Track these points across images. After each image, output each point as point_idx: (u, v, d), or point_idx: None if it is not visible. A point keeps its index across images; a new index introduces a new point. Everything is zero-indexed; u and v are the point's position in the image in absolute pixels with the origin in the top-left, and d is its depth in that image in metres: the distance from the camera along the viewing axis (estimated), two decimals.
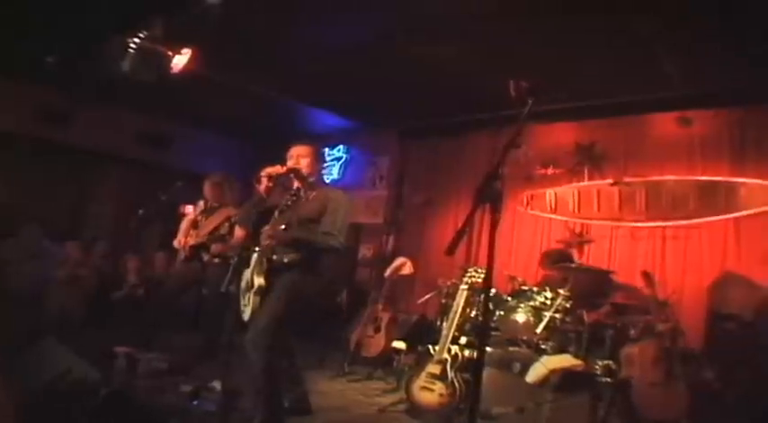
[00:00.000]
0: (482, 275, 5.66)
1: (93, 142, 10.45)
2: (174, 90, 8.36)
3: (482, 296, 6.27)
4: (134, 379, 5.63)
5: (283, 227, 4.62)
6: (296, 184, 4.98)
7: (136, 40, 6.60)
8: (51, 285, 8.15)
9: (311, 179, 5.00)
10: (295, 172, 4.89)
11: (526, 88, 3.13)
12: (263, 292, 4.65)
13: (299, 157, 4.94)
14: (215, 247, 6.75)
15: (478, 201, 2.67)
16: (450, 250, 2.71)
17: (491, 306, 6.28)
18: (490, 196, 2.66)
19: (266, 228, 4.63)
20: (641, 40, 6.14)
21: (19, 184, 9.48)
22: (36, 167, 10.03)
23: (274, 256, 4.69)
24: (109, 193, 11.11)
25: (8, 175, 9.31)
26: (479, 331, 3.81)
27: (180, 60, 6.97)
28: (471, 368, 5.16)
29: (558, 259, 6.88)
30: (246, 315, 4.74)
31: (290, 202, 4.52)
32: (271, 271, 4.68)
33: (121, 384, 5.13)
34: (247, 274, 4.82)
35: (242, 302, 4.85)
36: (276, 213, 4.60)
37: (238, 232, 6.14)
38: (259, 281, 4.64)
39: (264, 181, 4.74)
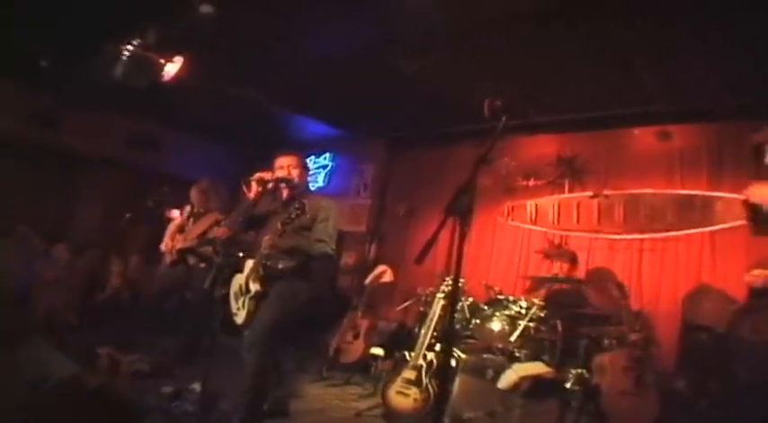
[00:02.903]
0: (459, 284, 5.76)
1: (83, 145, 10.49)
2: (164, 95, 8.42)
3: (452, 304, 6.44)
4: (116, 379, 5.68)
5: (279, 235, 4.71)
6: (285, 194, 5.09)
7: (129, 46, 6.68)
8: (38, 286, 8.20)
9: (301, 188, 5.13)
10: (287, 181, 5.01)
11: (500, 107, 3.25)
12: (259, 298, 4.77)
13: (289, 167, 5.06)
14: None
15: (447, 214, 2.77)
16: (420, 259, 2.82)
17: (467, 314, 6.40)
18: (459, 210, 2.76)
19: (266, 236, 4.72)
20: (622, 54, 6.25)
21: (8, 186, 9.52)
22: (25, 170, 10.05)
23: (269, 263, 4.79)
24: (97, 196, 11.11)
25: None
26: (445, 338, 3.90)
27: (172, 68, 7.05)
28: (439, 372, 5.28)
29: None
30: (240, 319, 4.85)
31: (294, 215, 4.61)
32: (266, 277, 4.78)
33: (104, 384, 5.20)
34: (240, 278, 4.93)
35: (234, 306, 4.95)
36: (279, 224, 4.68)
37: (220, 231, 6.25)
38: (255, 287, 4.76)
39: (254, 186, 4.85)
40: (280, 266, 4.80)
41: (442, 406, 2.84)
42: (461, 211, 2.77)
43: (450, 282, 5.75)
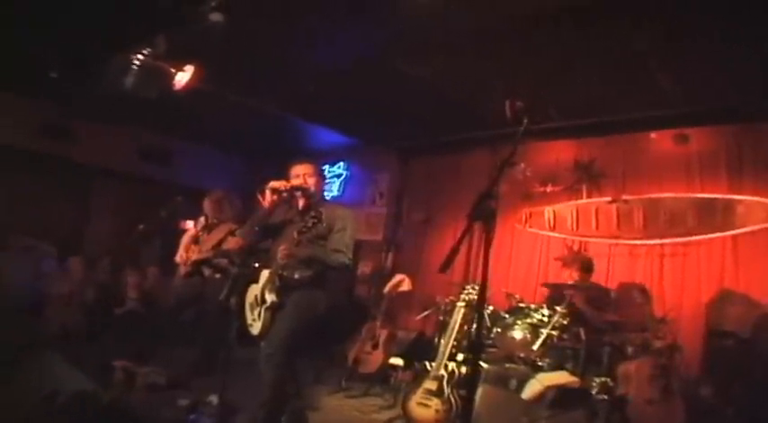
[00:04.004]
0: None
1: (95, 157, 10.49)
2: (176, 106, 8.40)
3: (487, 309, 6.36)
4: (131, 392, 5.63)
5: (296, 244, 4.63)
6: (301, 203, 5.00)
7: (139, 56, 6.65)
8: (53, 300, 8.19)
9: (317, 197, 5.05)
10: (303, 190, 4.92)
11: (521, 108, 3.17)
12: (275, 309, 4.69)
13: (305, 175, 4.97)
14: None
15: (472, 219, 2.69)
16: (444, 267, 2.73)
17: (488, 323, 6.31)
18: (483, 215, 2.68)
19: (282, 246, 4.64)
20: (639, 57, 6.17)
21: (20, 199, 9.52)
22: (37, 182, 10.05)
23: (285, 273, 4.71)
24: (109, 208, 11.11)
25: (9, 189, 9.37)
26: (473, 348, 3.82)
27: (182, 77, 7.01)
28: (465, 383, 5.19)
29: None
30: (255, 330, 4.78)
31: (310, 224, 4.53)
32: (282, 287, 4.71)
33: (119, 398, 5.15)
34: (256, 289, 4.85)
35: (249, 317, 4.88)
36: (295, 233, 4.60)
37: (234, 242, 6.19)
38: (271, 297, 4.67)
39: (269, 195, 4.78)
40: (296, 276, 4.72)
41: (468, 418, 2.73)
42: (485, 216, 2.68)
43: (471, 289, 5.71)
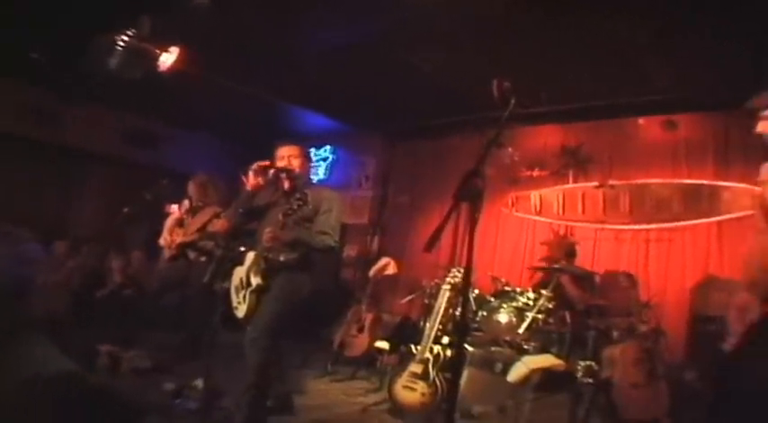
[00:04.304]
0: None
1: (80, 141, 10.36)
2: (161, 89, 8.33)
3: (473, 292, 6.36)
4: (116, 377, 5.60)
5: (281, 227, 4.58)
6: (286, 185, 4.94)
7: (124, 37, 6.57)
8: (38, 283, 8.12)
9: (303, 179, 5.01)
10: (287, 172, 4.87)
11: (509, 88, 3.13)
12: (260, 291, 4.65)
13: (290, 157, 4.93)
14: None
15: (458, 199, 2.66)
16: (429, 246, 2.70)
17: (473, 306, 6.31)
18: (470, 195, 2.65)
19: (268, 229, 4.59)
20: (628, 43, 6.16)
21: (1, 183, 9.42)
22: (21, 166, 9.94)
23: (270, 255, 4.68)
24: (94, 191, 11.01)
25: None
26: (458, 331, 3.80)
27: (167, 58, 6.95)
28: (450, 366, 5.19)
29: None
30: (240, 313, 4.74)
31: (295, 206, 4.47)
32: (267, 270, 4.67)
33: (104, 382, 5.11)
34: (241, 271, 4.81)
35: (235, 300, 4.83)
36: (280, 216, 4.55)
37: (219, 225, 6.16)
38: (257, 280, 4.63)
39: (252, 176, 4.74)
40: (281, 259, 4.67)
41: (453, 400, 2.71)
42: (472, 196, 2.65)
43: (456, 273, 5.69)
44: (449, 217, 2.65)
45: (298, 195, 4.50)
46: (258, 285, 4.62)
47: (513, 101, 3.01)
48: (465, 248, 2.64)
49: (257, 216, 4.93)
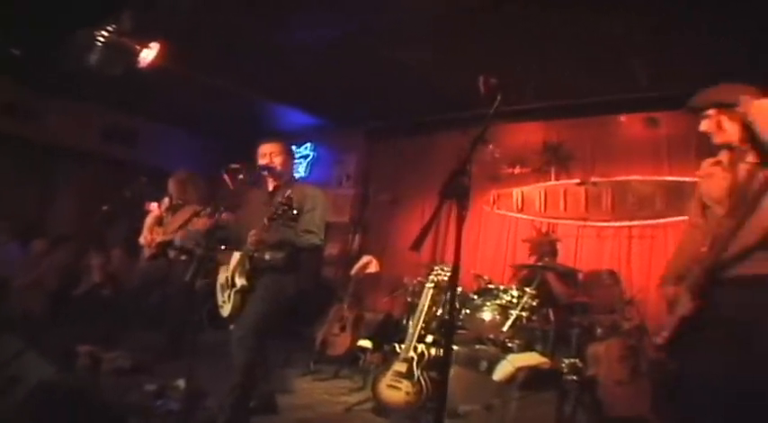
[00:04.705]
0: (448, 273, 5.66)
1: (58, 137, 10.27)
2: (141, 86, 8.26)
3: (448, 294, 6.31)
4: (97, 378, 5.53)
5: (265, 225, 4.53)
6: (270, 183, 4.95)
7: (103, 33, 6.49)
8: (15, 282, 8.04)
9: (286, 177, 4.98)
10: (270, 170, 4.84)
11: (495, 84, 3.11)
12: (245, 291, 4.61)
13: (272, 154, 4.89)
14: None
15: (444, 197, 2.64)
16: (416, 245, 2.68)
17: (457, 304, 6.28)
18: (456, 192, 2.63)
19: (252, 231, 4.52)
20: (610, 40, 6.16)
21: None
22: None
23: (256, 255, 4.62)
24: (73, 189, 10.90)
25: None
26: (446, 329, 3.78)
27: (148, 54, 6.89)
28: (438, 366, 5.17)
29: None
30: (225, 312, 4.71)
31: (280, 210, 4.42)
32: (252, 270, 4.63)
33: (84, 384, 5.04)
34: (226, 270, 4.77)
35: (219, 299, 4.80)
36: (265, 218, 4.49)
37: (200, 222, 6.12)
38: (241, 281, 4.60)
39: (233, 175, 4.70)
40: (266, 258, 4.63)
41: (442, 400, 2.68)
42: (459, 193, 2.63)
43: (440, 270, 5.67)
44: (435, 216, 2.64)
45: (281, 198, 4.45)
46: (242, 286, 4.59)
47: (499, 97, 2.99)
48: (450, 246, 2.62)
49: (242, 215, 4.90)
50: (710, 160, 3.30)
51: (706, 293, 2.92)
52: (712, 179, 3.20)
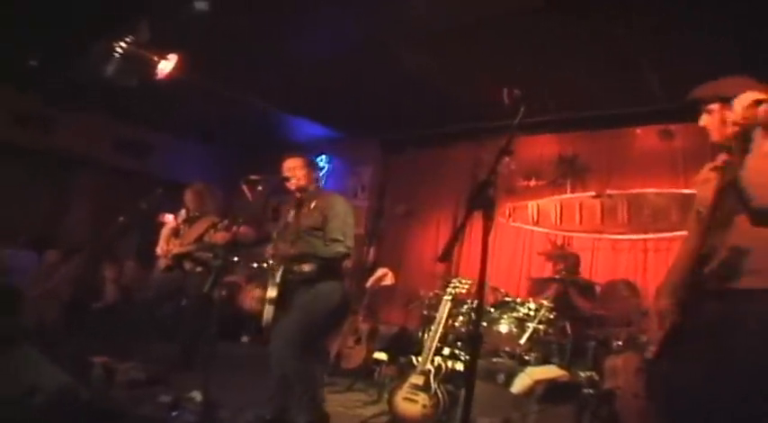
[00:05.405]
0: (466, 286, 5.67)
1: (73, 148, 10.30)
2: (156, 97, 8.29)
3: (470, 305, 6.31)
4: (111, 389, 5.52)
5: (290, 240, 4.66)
6: (298, 196, 5.01)
7: (121, 44, 6.52)
8: (29, 293, 8.04)
9: (310, 189, 5.03)
10: (292, 183, 4.95)
11: (519, 96, 3.10)
12: (275, 303, 4.67)
13: (294, 168, 4.96)
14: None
15: (472, 208, 2.63)
16: (445, 256, 2.68)
17: (473, 316, 6.26)
18: (483, 203, 2.62)
19: (279, 244, 4.67)
20: (625, 53, 6.15)
21: None
22: (13, 173, 9.86)
23: (287, 267, 4.71)
24: (87, 200, 10.93)
25: None
26: (472, 341, 3.75)
27: (165, 66, 6.90)
28: (456, 379, 5.16)
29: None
30: (263, 323, 4.76)
31: (304, 228, 4.57)
32: (286, 282, 4.71)
33: (98, 395, 5.03)
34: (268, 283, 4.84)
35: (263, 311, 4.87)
36: (290, 231, 4.63)
37: (219, 235, 6.14)
38: (272, 292, 4.67)
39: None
40: (296, 270, 4.71)
41: (467, 414, 2.66)
42: (485, 204, 2.62)
43: (457, 283, 5.67)
44: (463, 227, 2.64)
45: (307, 208, 4.53)
46: (271, 298, 4.67)
47: (522, 109, 2.98)
48: (466, 258, 2.62)
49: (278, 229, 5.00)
50: (710, 165, 3.14)
51: (688, 306, 2.81)
52: (707, 185, 2.98)
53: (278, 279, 4.68)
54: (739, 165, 2.69)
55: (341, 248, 4.73)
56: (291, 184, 4.93)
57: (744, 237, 2.71)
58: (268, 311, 4.65)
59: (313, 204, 4.83)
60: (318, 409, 4.70)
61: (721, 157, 3.00)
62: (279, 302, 4.67)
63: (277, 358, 4.60)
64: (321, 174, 11.05)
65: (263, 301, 4.79)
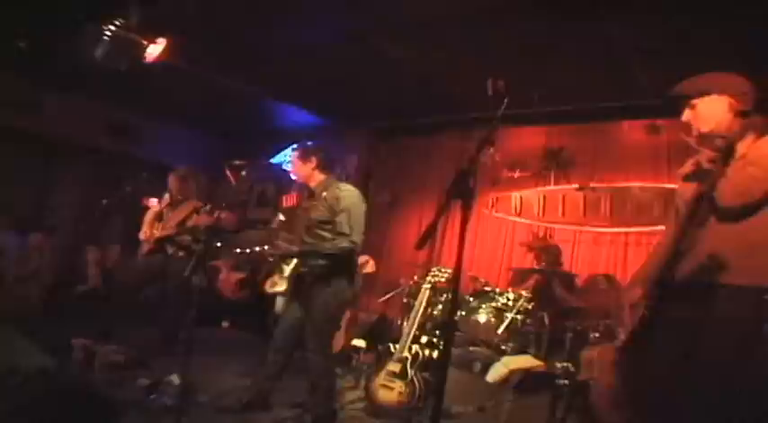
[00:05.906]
0: (445, 275, 5.68)
1: (60, 131, 10.23)
2: (144, 81, 8.24)
3: (448, 294, 6.34)
4: (91, 372, 5.52)
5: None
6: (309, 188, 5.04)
7: (111, 27, 6.47)
8: (13, 275, 8.03)
9: (316, 180, 5.01)
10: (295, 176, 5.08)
11: (503, 86, 3.12)
12: (282, 294, 4.93)
13: (292, 163, 5.10)
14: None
15: (450, 196, 2.63)
16: (421, 244, 2.66)
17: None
18: (462, 193, 2.62)
19: (291, 237, 4.74)
20: (612, 46, 6.17)
21: None
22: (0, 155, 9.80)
23: (297, 262, 4.78)
24: (74, 182, 10.86)
25: None
26: (446, 330, 3.78)
27: (154, 49, 6.86)
28: (432, 367, 5.19)
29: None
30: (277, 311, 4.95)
31: (313, 225, 4.67)
32: (294, 276, 4.81)
33: (77, 377, 5.03)
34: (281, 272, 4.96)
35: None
36: (302, 227, 4.72)
37: (200, 218, 6.14)
38: (281, 286, 4.83)
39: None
40: (309, 266, 4.72)
41: (439, 400, 2.69)
42: (464, 193, 2.62)
43: (437, 272, 5.69)
44: (440, 215, 2.64)
45: (315, 199, 4.73)
46: (277, 290, 4.85)
47: (506, 99, 2.98)
48: (446, 247, 2.63)
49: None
50: (693, 159, 3.14)
51: (660, 300, 2.81)
52: (688, 185, 3.01)
53: (287, 273, 4.77)
54: (718, 176, 2.70)
55: (345, 243, 4.60)
56: (294, 179, 4.96)
57: (718, 235, 2.73)
58: (278, 302, 4.70)
59: (323, 196, 4.76)
60: (333, 404, 4.81)
61: (704, 156, 3.00)
62: (290, 294, 4.80)
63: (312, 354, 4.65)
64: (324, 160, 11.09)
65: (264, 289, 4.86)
